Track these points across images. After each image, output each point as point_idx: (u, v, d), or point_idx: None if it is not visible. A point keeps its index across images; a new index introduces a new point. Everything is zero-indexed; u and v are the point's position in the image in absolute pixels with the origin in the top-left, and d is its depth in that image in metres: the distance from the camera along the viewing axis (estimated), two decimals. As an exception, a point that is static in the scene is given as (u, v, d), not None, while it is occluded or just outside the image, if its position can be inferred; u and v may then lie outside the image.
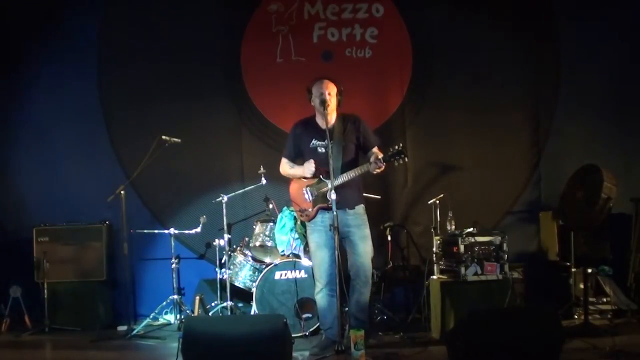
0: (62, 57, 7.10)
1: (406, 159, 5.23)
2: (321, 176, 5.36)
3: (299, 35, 7.09)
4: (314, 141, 5.43)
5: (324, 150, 5.33)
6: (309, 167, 5.40)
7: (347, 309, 5.57)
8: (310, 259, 5.91)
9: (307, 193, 5.45)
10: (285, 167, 5.63)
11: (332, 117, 5.48)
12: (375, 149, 5.45)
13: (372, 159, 5.29)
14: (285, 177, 5.68)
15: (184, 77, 7.06)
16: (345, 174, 5.29)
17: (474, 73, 7.04)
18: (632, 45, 6.96)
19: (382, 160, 5.21)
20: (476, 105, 7.02)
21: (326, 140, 5.27)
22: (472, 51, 7.03)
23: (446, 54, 7.05)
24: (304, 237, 6.05)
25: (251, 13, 7.11)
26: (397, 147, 5.19)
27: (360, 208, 5.46)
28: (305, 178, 5.48)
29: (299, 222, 6.07)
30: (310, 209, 5.42)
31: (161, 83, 7.07)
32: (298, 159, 5.59)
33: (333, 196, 5.11)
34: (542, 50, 7.05)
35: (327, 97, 5.36)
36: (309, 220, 5.46)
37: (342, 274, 5.12)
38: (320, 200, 5.36)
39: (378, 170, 5.26)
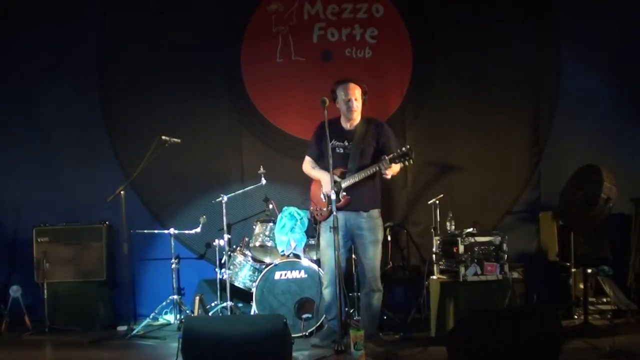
0: (63, 57, 7.09)
1: (411, 161, 5.24)
2: (337, 176, 5.38)
3: (298, 35, 7.08)
4: (333, 141, 5.46)
5: (342, 151, 5.38)
6: (327, 182, 5.40)
7: (346, 309, 5.58)
8: (309, 259, 5.96)
9: (322, 194, 5.51)
10: (307, 166, 5.70)
11: (357, 119, 5.52)
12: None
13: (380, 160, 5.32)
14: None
15: (184, 77, 7.05)
16: (355, 175, 5.35)
17: (474, 73, 7.03)
18: (633, 45, 6.94)
19: (388, 161, 5.22)
20: (476, 105, 7.01)
21: (345, 142, 5.31)
22: (472, 51, 7.01)
23: (446, 54, 7.05)
24: (304, 237, 6.07)
25: (251, 13, 7.09)
26: (403, 149, 5.24)
27: (375, 212, 5.51)
28: None
29: (298, 222, 6.09)
30: (325, 209, 5.51)
31: (161, 83, 7.06)
32: (320, 159, 5.64)
33: (333, 196, 5.18)
34: (542, 50, 7.04)
35: (354, 102, 5.43)
36: (324, 220, 5.53)
37: (342, 274, 5.16)
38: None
39: (388, 172, 5.29)
